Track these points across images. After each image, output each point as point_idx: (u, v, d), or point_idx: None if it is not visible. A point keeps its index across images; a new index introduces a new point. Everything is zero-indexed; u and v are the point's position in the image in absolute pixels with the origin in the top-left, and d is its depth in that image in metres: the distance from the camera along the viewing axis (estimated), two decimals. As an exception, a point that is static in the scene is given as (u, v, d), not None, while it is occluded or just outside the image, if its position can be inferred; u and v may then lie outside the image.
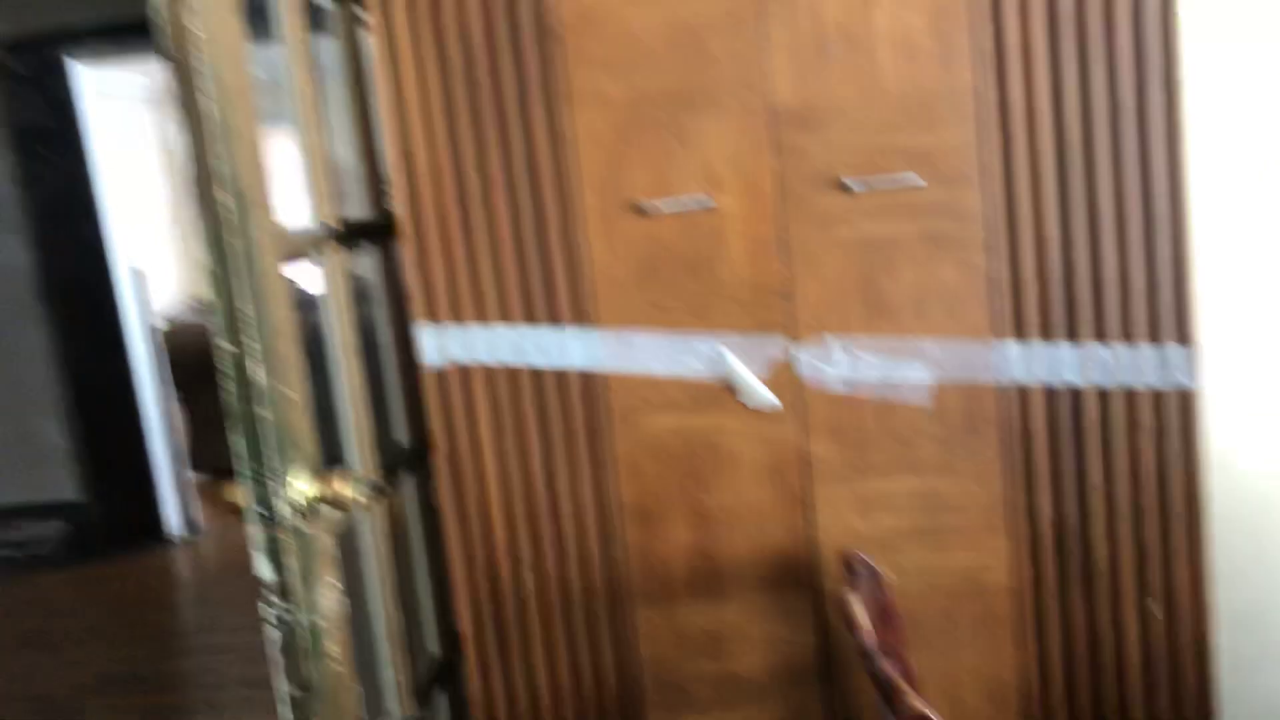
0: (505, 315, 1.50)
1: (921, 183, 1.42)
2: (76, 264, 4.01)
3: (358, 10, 1.74)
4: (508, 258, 1.50)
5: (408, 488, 1.72)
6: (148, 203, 5.73)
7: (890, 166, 1.43)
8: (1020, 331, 1.44)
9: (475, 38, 1.46)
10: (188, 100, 1.20)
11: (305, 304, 1.51)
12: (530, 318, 1.50)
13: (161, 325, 4.69)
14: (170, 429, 4.33)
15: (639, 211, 1.47)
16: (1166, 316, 1.42)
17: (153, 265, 4.80)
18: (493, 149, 1.48)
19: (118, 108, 5.20)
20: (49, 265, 3.99)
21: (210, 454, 4.53)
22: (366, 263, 1.73)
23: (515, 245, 1.49)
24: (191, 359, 4.50)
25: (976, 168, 1.42)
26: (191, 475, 4.43)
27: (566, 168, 1.47)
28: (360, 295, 1.69)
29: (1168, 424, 1.43)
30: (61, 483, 4.17)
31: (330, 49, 1.75)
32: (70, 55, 3.90)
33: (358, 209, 1.73)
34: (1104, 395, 1.44)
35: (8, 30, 3.78)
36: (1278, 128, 1.62)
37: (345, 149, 1.74)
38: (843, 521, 1.51)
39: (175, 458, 4.34)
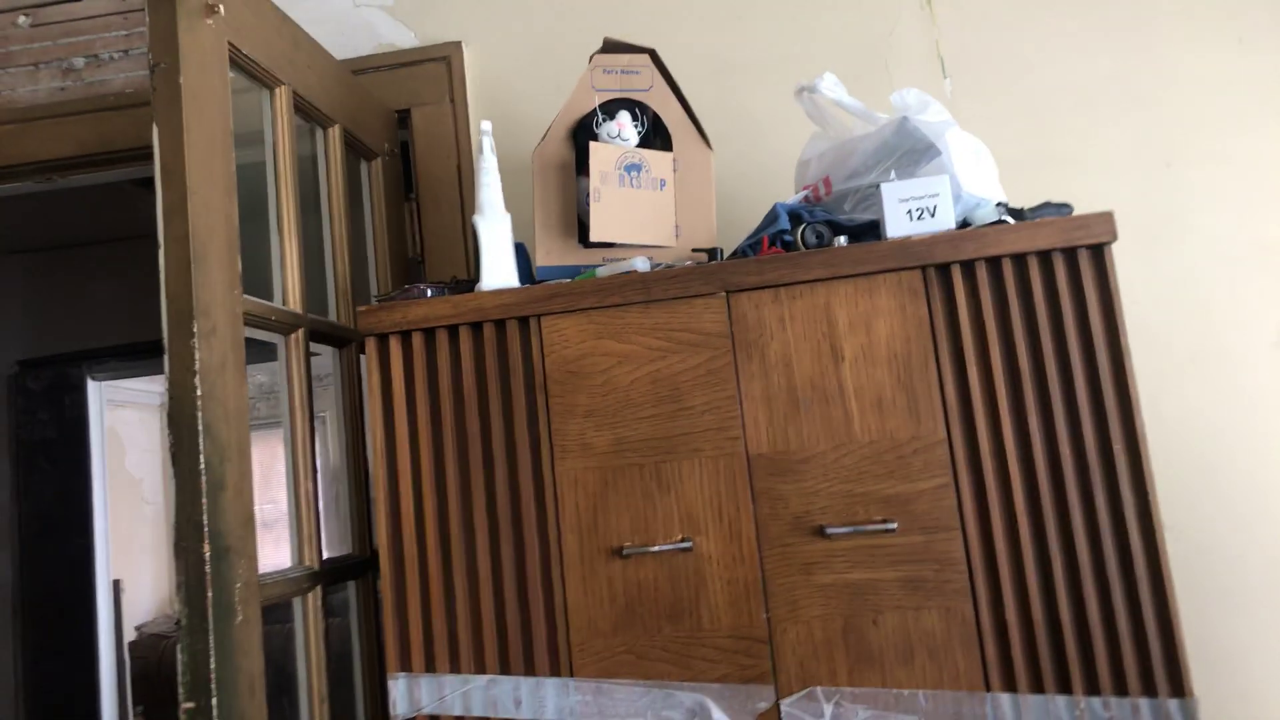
0: (480, 665, 1.47)
1: (894, 528, 1.44)
2: (58, 578, 3.95)
3: (357, 353, 1.84)
4: (486, 605, 1.48)
5: None
6: (139, 508, 5.73)
7: (868, 513, 1.46)
8: (1010, 683, 1.40)
9: (467, 386, 1.54)
10: (181, 455, 1.24)
11: (279, 645, 1.48)
12: (506, 668, 1.46)
13: (132, 635, 4.54)
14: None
15: (619, 555, 1.48)
16: (1158, 667, 1.38)
17: (134, 570, 4.72)
18: (478, 493, 1.51)
19: (126, 415, 5.35)
20: (30, 580, 3.93)
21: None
22: (346, 598, 1.71)
23: (494, 591, 1.49)
24: (156, 670, 4.32)
25: (953, 514, 1.45)
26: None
27: (548, 512, 1.50)
28: (337, 634, 1.65)
29: (1175, 786, 1.36)
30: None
31: (330, 383, 1.84)
32: (86, 372, 4.08)
33: (341, 543, 1.74)
34: (1105, 754, 1.37)
35: (26, 350, 3.99)
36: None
37: (337, 481, 1.78)
38: None
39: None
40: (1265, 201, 1.99)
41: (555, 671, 1.46)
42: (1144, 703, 1.38)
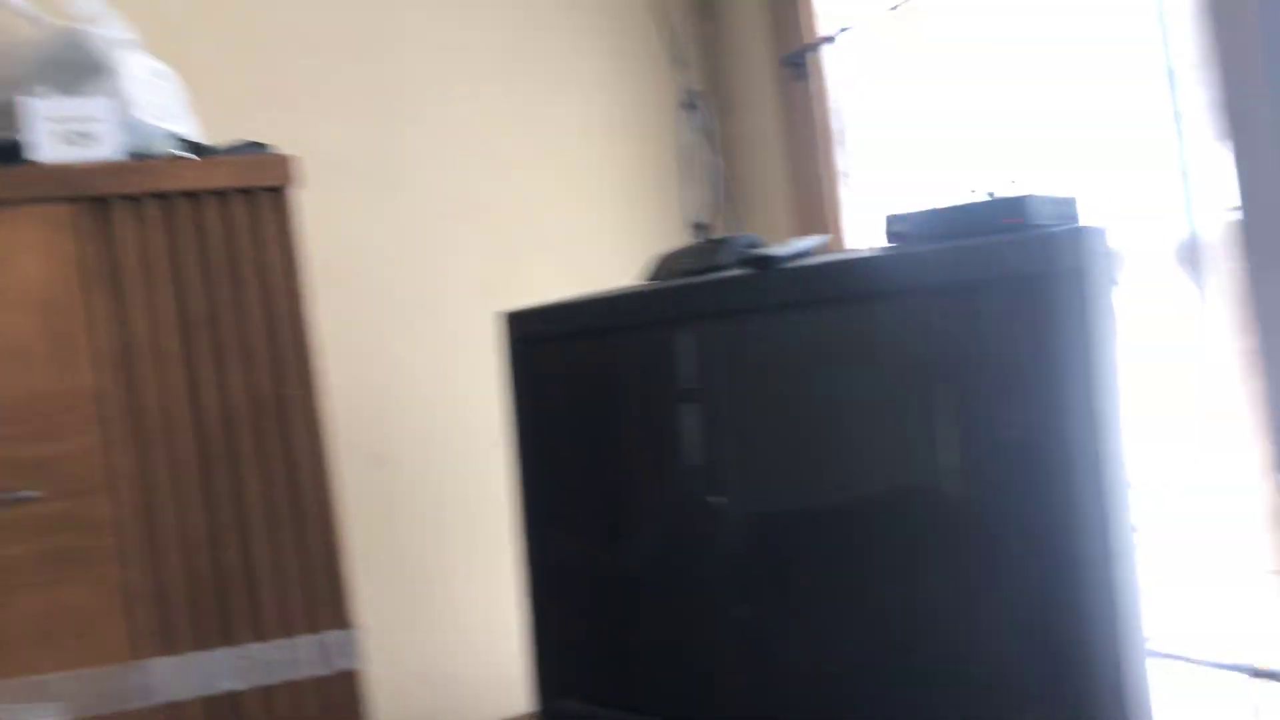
0: None
1: (37, 496, 1.27)
2: None
3: None
4: None
5: None
6: None
7: (5, 482, 1.27)
8: (170, 646, 1.33)
9: None
10: None
11: None
12: None
13: None
14: None
15: None
16: (324, 605, 1.44)
17: None
18: None
19: None
20: None
21: None
22: None
23: None
24: None
25: (106, 474, 1.32)
26: None
27: None
28: None
29: (335, 708, 1.43)
30: None
31: None
32: None
33: None
34: (268, 694, 1.39)
35: None
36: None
37: None
38: None
39: None
40: (479, 164, 2.19)
41: None
42: (308, 640, 1.42)
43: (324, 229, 1.71)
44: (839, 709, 1.00)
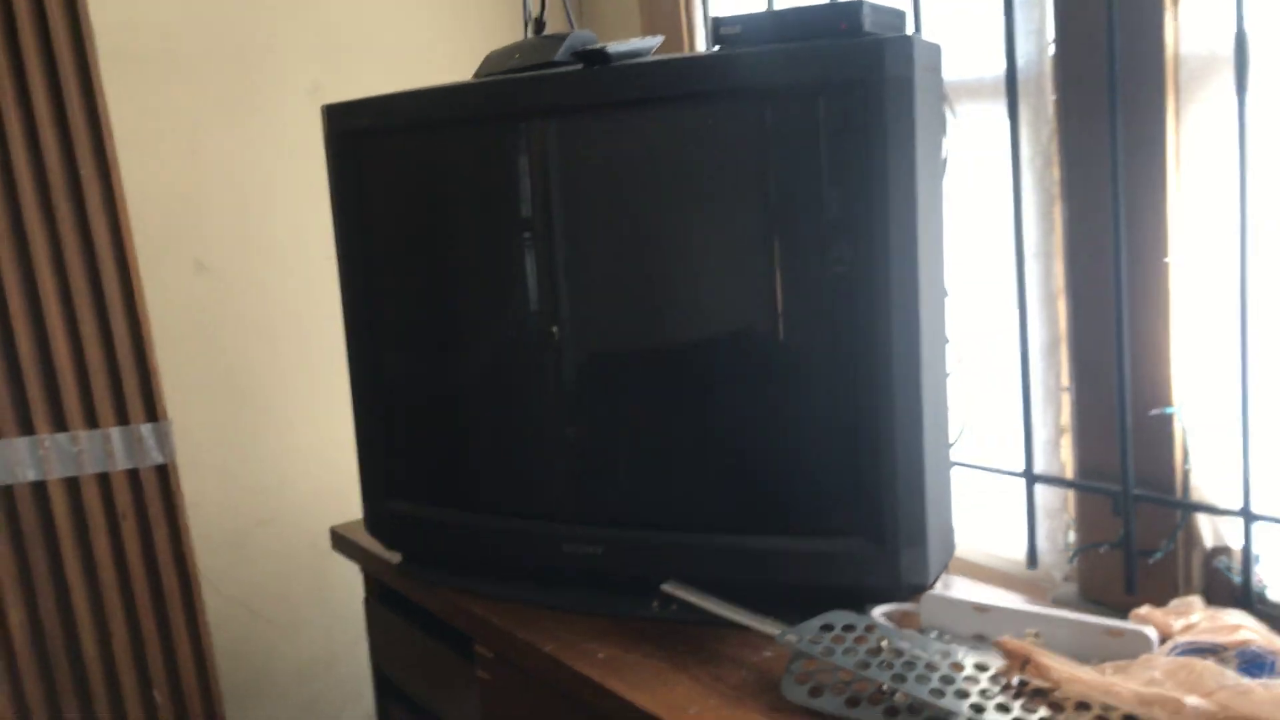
0: None
1: None
2: None
3: None
4: None
5: None
6: None
7: None
8: (-42, 431, 1.28)
9: None
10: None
11: None
12: None
13: None
14: None
15: None
16: (133, 397, 1.40)
17: None
18: None
19: None
20: None
21: None
22: None
23: None
24: None
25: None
26: None
27: None
28: None
29: (148, 502, 1.41)
30: None
31: None
32: None
33: None
34: (74, 485, 1.36)
35: None
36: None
37: None
38: None
39: None
40: None
41: None
42: (115, 431, 1.38)
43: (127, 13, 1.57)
44: (659, 510, 1.05)
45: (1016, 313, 1.12)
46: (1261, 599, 0.95)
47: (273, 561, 1.80)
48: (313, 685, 1.87)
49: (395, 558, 1.23)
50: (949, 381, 1.01)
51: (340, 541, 1.36)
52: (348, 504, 1.74)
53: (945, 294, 0.98)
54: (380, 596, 1.35)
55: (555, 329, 1.16)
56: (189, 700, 1.44)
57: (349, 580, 1.58)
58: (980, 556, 1.21)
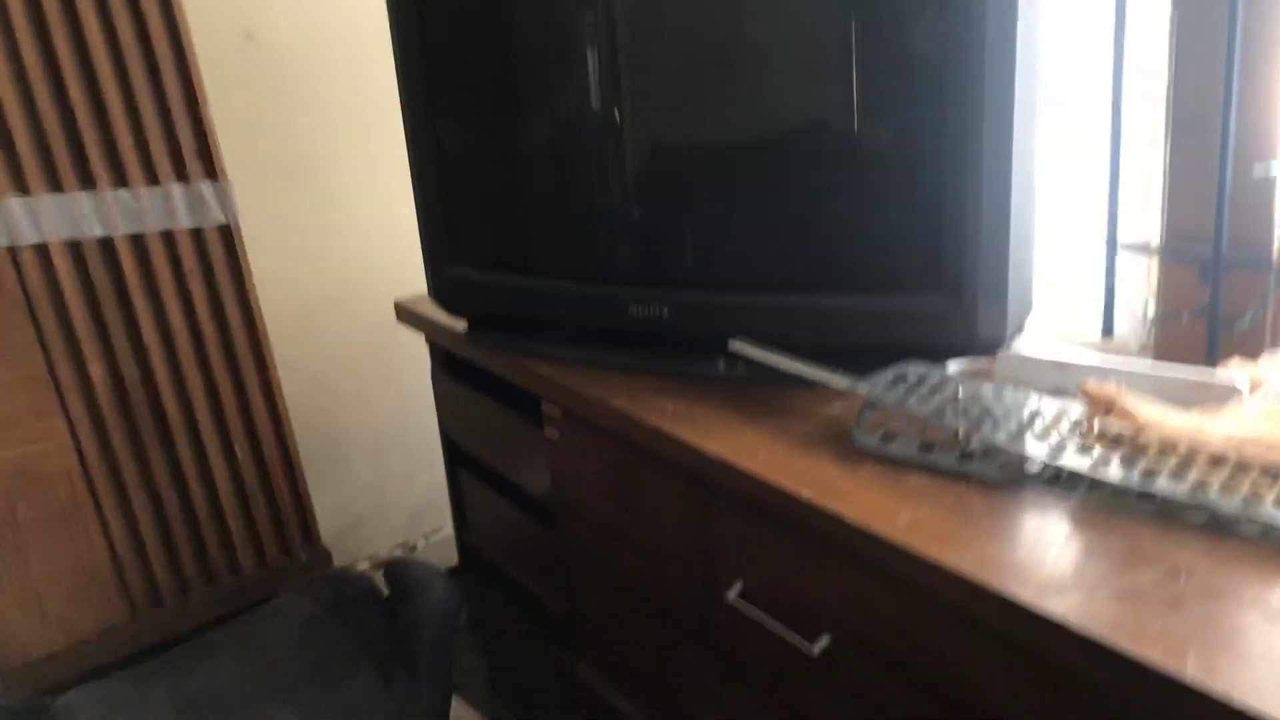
0: None
1: None
2: None
3: None
4: None
5: None
6: None
7: None
8: (22, 186, 1.27)
9: None
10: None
11: None
12: None
13: None
14: None
15: None
16: (190, 156, 1.37)
17: None
18: None
19: None
20: None
21: None
22: None
23: None
24: None
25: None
26: None
27: None
28: None
29: (214, 262, 1.42)
30: None
31: None
32: None
33: None
34: (140, 242, 1.36)
35: None
36: None
37: None
38: None
39: None
40: None
41: None
42: (176, 188, 1.37)
43: None
44: (727, 271, 1.02)
45: (1112, 51, 1.03)
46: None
47: (340, 338, 1.83)
48: (386, 456, 1.95)
49: (460, 325, 1.24)
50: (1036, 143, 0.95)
51: (405, 313, 1.36)
52: (409, 282, 1.75)
53: (1040, 45, 0.90)
54: (446, 366, 1.37)
55: (622, 91, 1.10)
56: (270, 464, 1.50)
57: (415, 355, 1.61)
58: (1050, 336, 1.18)
